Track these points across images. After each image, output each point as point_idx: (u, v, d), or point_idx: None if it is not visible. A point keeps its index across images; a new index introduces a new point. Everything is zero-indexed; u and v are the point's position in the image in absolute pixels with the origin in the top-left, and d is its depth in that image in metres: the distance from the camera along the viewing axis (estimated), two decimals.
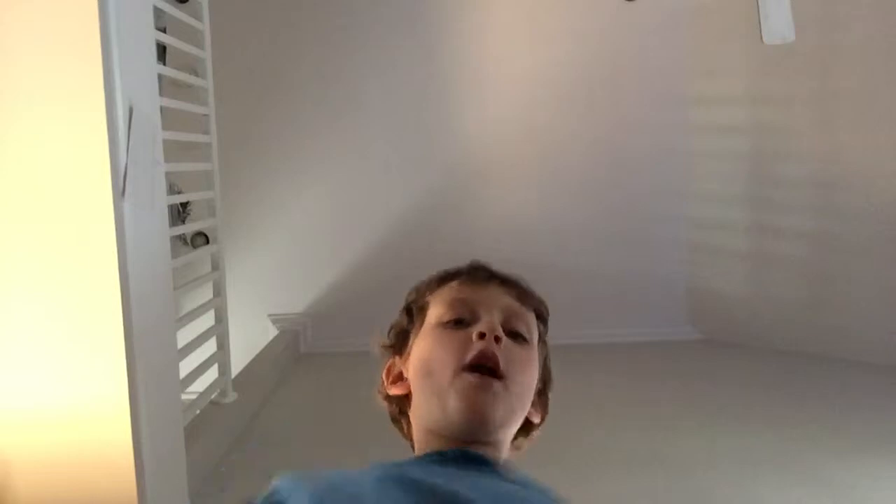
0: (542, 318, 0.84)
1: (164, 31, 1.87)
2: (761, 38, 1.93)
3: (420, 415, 0.76)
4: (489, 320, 0.75)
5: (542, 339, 0.83)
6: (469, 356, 0.71)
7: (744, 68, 3.18)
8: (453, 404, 0.70)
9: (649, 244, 3.37)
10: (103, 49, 1.31)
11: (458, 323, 0.76)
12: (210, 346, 2.24)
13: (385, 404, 0.83)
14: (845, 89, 2.97)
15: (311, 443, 2.28)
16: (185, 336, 1.92)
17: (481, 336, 0.72)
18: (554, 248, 3.34)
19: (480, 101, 3.35)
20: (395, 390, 0.81)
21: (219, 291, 2.30)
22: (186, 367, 1.90)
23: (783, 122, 3.15)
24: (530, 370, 0.76)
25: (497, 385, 0.71)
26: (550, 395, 0.84)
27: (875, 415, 2.38)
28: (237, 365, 2.54)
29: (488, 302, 0.77)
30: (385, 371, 0.84)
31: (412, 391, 0.78)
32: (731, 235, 3.31)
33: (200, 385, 2.13)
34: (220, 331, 2.29)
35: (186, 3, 2.24)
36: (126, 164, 1.36)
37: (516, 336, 0.76)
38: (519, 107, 3.33)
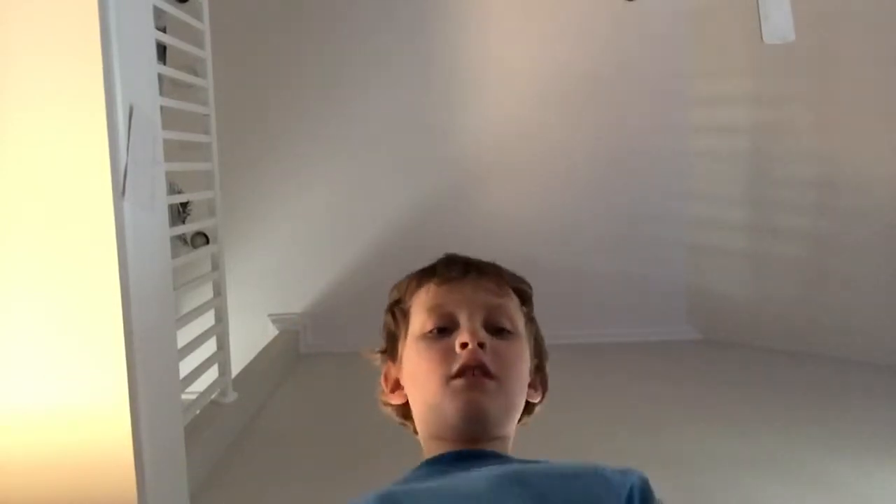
0: (524, 297, 0.83)
1: (164, 31, 1.87)
2: (761, 38, 1.93)
3: (421, 422, 0.77)
4: (470, 327, 0.74)
5: (528, 319, 0.83)
6: (455, 367, 0.72)
7: (744, 68, 3.18)
8: (449, 409, 0.71)
9: (649, 244, 3.37)
10: (103, 49, 1.31)
11: (441, 331, 0.76)
12: (210, 346, 2.24)
13: (388, 410, 0.83)
14: (845, 90, 2.96)
15: (311, 443, 2.28)
16: (185, 336, 1.92)
17: (463, 346, 0.73)
18: (554, 248, 3.34)
19: (481, 101, 3.35)
20: (394, 399, 0.82)
21: (219, 291, 2.30)
22: (186, 367, 1.90)
23: (783, 122, 3.15)
24: (520, 362, 0.77)
25: (489, 383, 0.71)
26: (548, 370, 0.84)
27: (875, 415, 2.38)
28: (237, 365, 2.54)
29: (467, 302, 0.77)
30: (383, 377, 0.84)
31: (409, 400, 0.79)
32: (731, 235, 3.31)
33: (200, 385, 2.13)
34: (220, 331, 2.29)
35: (186, 3, 2.24)
36: (126, 164, 1.36)
37: (500, 331, 0.76)
38: (519, 107, 3.33)
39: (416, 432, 0.80)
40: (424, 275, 0.83)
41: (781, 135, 3.15)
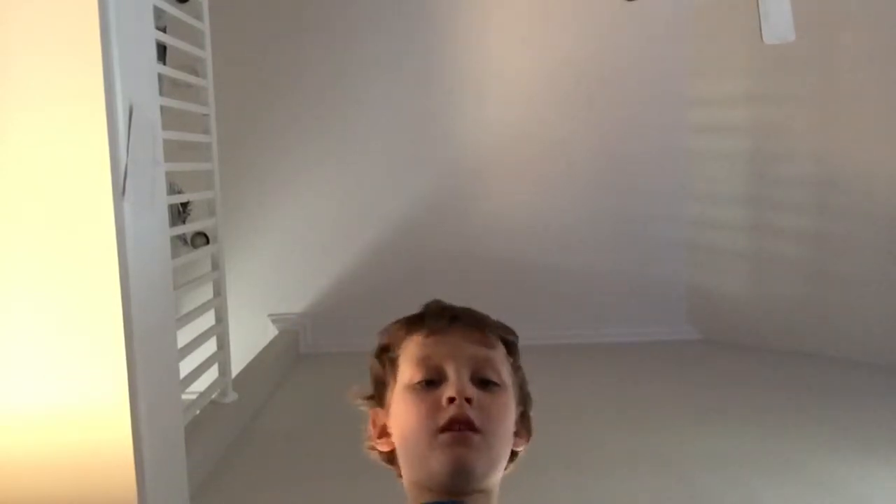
0: (510, 347, 0.84)
1: (164, 31, 1.87)
2: (761, 38, 1.93)
3: (408, 470, 0.78)
4: (458, 382, 0.75)
5: (514, 368, 0.83)
6: (442, 421, 0.73)
7: (744, 68, 3.17)
8: (436, 463, 0.72)
9: (649, 244, 3.36)
10: (103, 49, 1.31)
11: (430, 383, 0.77)
12: (210, 346, 2.24)
13: (374, 455, 0.85)
14: (845, 89, 2.96)
15: (311, 443, 2.28)
16: (185, 336, 1.91)
17: (451, 400, 0.74)
18: (554, 248, 3.34)
19: (481, 101, 3.34)
20: (382, 447, 0.83)
21: (219, 291, 2.30)
22: (186, 367, 1.90)
23: (783, 122, 3.14)
24: (505, 416, 0.78)
25: (475, 437, 0.72)
26: (533, 415, 0.85)
27: (875, 415, 2.38)
28: (237, 365, 2.54)
29: (454, 355, 0.77)
30: (371, 423, 0.85)
31: (397, 449, 0.80)
32: (731, 235, 3.31)
33: (200, 385, 2.13)
34: (220, 331, 2.29)
35: (186, 3, 2.24)
36: (126, 164, 1.36)
37: (487, 384, 0.77)
38: (519, 107, 3.33)
39: (400, 476, 0.81)
40: (413, 324, 0.83)
41: (781, 134, 3.15)
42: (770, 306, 3.18)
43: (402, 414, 0.78)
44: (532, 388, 0.87)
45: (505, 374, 0.80)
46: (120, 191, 1.35)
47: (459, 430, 0.72)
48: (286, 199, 3.35)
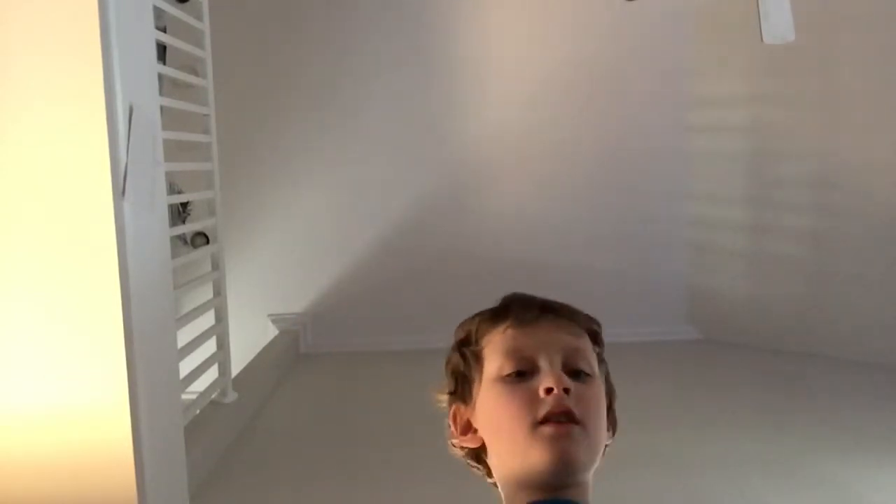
0: (596, 337, 0.83)
1: (164, 30, 1.87)
2: (761, 38, 1.93)
3: (501, 466, 0.75)
4: (553, 372, 0.73)
5: (600, 359, 0.82)
6: (541, 413, 0.71)
7: (744, 68, 3.17)
8: (537, 456, 0.70)
9: (649, 244, 3.36)
10: (103, 49, 1.31)
11: (520, 375, 0.74)
12: (210, 346, 2.24)
13: (458, 452, 0.82)
14: (845, 89, 2.96)
15: (311, 443, 2.28)
16: (185, 336, 1.92)
17: (548, 391, 0.72)
18: (554, 248, 3.34)
19: (481, 101, 3.34)
20: (468, 443, 0.80)
21: (219, 291, 2.30)
22: (186, 367, 1.90)
23: (783, 122, 3.14)
24: (601, 405, 0.76)
25: (576, 429, 0.71)
26: (615, 408, 0.83)
27: (875, 415, 2.38)
28: (237, 365, 2.54)
29: (545, 346, 0.76)
30: (451, 418, 0.82)
31: (487, 445, 0.77)
32: (731, 235, 3.31)
33: (200, 385, 2.13)
34: (220, 331, 2.29)
35: (186, 3, 2.24)
36: (126, 164, 1.36)
37: (579, 374, 0.75)
38: (519, 107, 3.33)
39: (487, 475, 0.79)
40: (497, 316, 0.81)
41: (781, 134, 3.15)
42: (770, 306, 3.18)
43: (494, 407, 0.75)
44: None
45: (595, 364, 0.79)
46: (120, 191, 1.35)
47: (560, 422, 0.70)
48: (286, 199, 3.35)
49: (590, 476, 0.74)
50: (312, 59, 3.29)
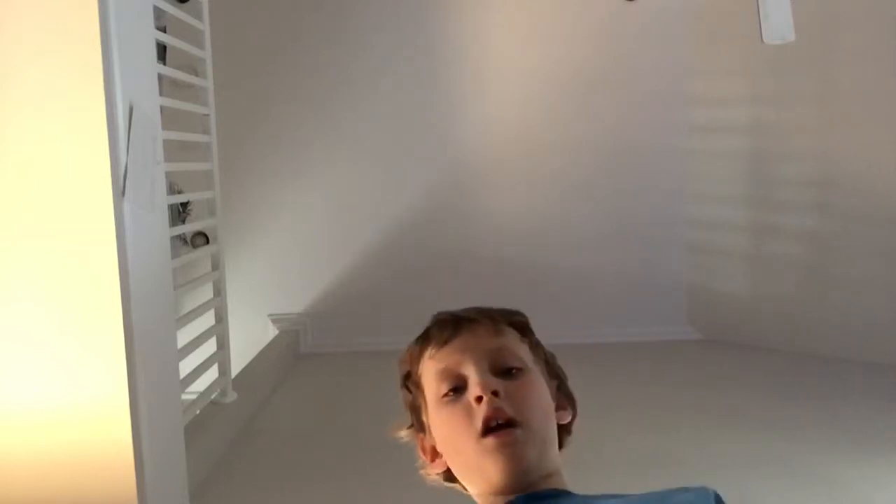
0: (521, 328, 0.84)
1: (164, 30, 1.87)
2: (761, 38, 1.93)
3: (470, 483, 0.78)
4: (478, 380, 0.75)
5: (533, 346, 0.83)
6: (478, 423, 0.73)
7: (744, 68, 3.17)
8: (490, 469, 0.72)
9: (649, 244, 3.36)
10: (103, 49, 1.31)
11: (456, 391, 0.77)
12: (210, 346, 2.24)
13: (433, 479, 0.84)
14: (844, 89, 2.96)
15: (311, 443, 2.28)
16: (185, 336, 1.92)
17: (478, 399, 0.74)
18: (554, 248, 3.34)
19: (480, 101, 3.35)
20: (437, 469, 0.83)
21: (219, 291, 2.30)
22: (186, 367, 1.90)
23: (783, 122, 3.14)
24: (538, 396, 0.77)
25: (517, 433, 0.72)
26: (570, 387, 0.85)
27: (875, 415, 2.38)
28: (237, 365, 2.54)
29: (467, 358, 0.78)
30: (419, 450, 0.85)
31: (450, 466, 0.80)
32: (731, 235, 3.31)
33: (200, 385, 2.13)
34: (220, 331, 2.29)
35: (186, 3, 2.24)
36: (126, 164, 1.36)
37: (509, 372, 0.77)
38: (519, 107, 3.33)
39: (465, 490, 0.81)
40: (422, 342, 0.84)
41: (781, 134, 3.15)
42: (770, 306, 3.18)
43: (442, 429, 0.78)
44: None
45: (524, 356, 0.80)
46: (120, 191, 1.35)
47: (499, 429, 0.72)
48: (286, 199, 3.35)
49: (555, 463, 0.76)
50: (312, 60, 3.29)
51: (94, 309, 1.36)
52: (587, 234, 3.35)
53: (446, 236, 3.33)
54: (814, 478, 1.91)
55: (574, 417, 0.83)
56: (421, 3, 3.31)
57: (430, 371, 0.80)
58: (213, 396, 2.26)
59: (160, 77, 1.64)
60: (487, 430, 0.72)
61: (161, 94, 1.62)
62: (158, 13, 1.69)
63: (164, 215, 1.62)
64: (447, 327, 0.82)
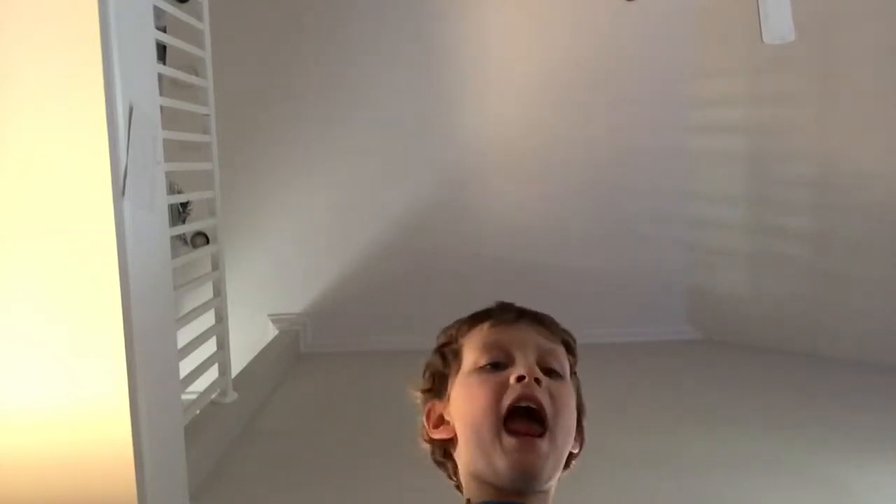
0: (570, 350, 0.84)
1: (164, 30, 1.87)
2: (761, 38, 1.93)
3: (467, 462, 0.76)
4: (526, 362, 0.75)
5: (573, 367, 0.83)
6: (508, 401, 0.72)
7: (744, 68, 3.17)
8: (501, 464, 0.71)
9: (649, 244, 3.37)
10: (103, 49, 1.31)
11: (495, 366, 0.76)
12: (210, 346, 2.24)
13: (428, 447, 0.83)
14: (845, 89, 2.96)
15: (311, 443, 2.28)
16: (185, 336, 1.92)
17: (520, 379, 0.73)
18: (554, 248, 3.34)
19: (481, 101, 3.34)
20: (439, 434, 0.81)
21: (219, 291, 2.30)
22: (186, 367, 1.90)
23: (783, 122, 3.14)
24: (570, 406, 0.77)
25: (541, 443, 0.71)
26: (585, 424, 0.84)
27: (875, 415, 2.38)
28: (237, 365, 2.54)
29: (521, 342, 0.78)
30: (425, 414, 0.83)
31: (457, 436, 0.78)
32: (731, 235, 3.31)
33: (200, 385, 2.13)
34: (220, 331, 2.29)
35: (186, 3, 2.24)
36: (126, 163, 1.36)
37: (551, 373, 0.77)
38: (519, 107, 3.33)
39: (452, 474, 0.80)
40: (477, 317, 0.84)
41: (781, 134, 3.15)
42: (770, 306, 3.18)
43: (466, 396, 0.76)
44: None
45: (567, 369, 0.80)
46: (120, 191, 1.35)
47: (524, 435, 0.71)
48: (286, 199, 3.35)
49: (552, 485, 0.75)
50: (312, 59, 3.29)
51: (94, 309, 1.36)
52: (587, 234, 3.35)
53: (446, 236, 3.33)
54: (814, 478, 1.91)
55: (580, 452, 0.82)
56: (421, 4, 3.31)
57: (478, 340, 0.80)
58: (213, 396, 2.26)
59: (160, 77, 1.64)
60: (513, 412, 0.72)
61: (161, 94, 1.62)
62: (158, 13, 1.69)
63: (164, 215, 1.62)
64: (511, 311, 0.83)
